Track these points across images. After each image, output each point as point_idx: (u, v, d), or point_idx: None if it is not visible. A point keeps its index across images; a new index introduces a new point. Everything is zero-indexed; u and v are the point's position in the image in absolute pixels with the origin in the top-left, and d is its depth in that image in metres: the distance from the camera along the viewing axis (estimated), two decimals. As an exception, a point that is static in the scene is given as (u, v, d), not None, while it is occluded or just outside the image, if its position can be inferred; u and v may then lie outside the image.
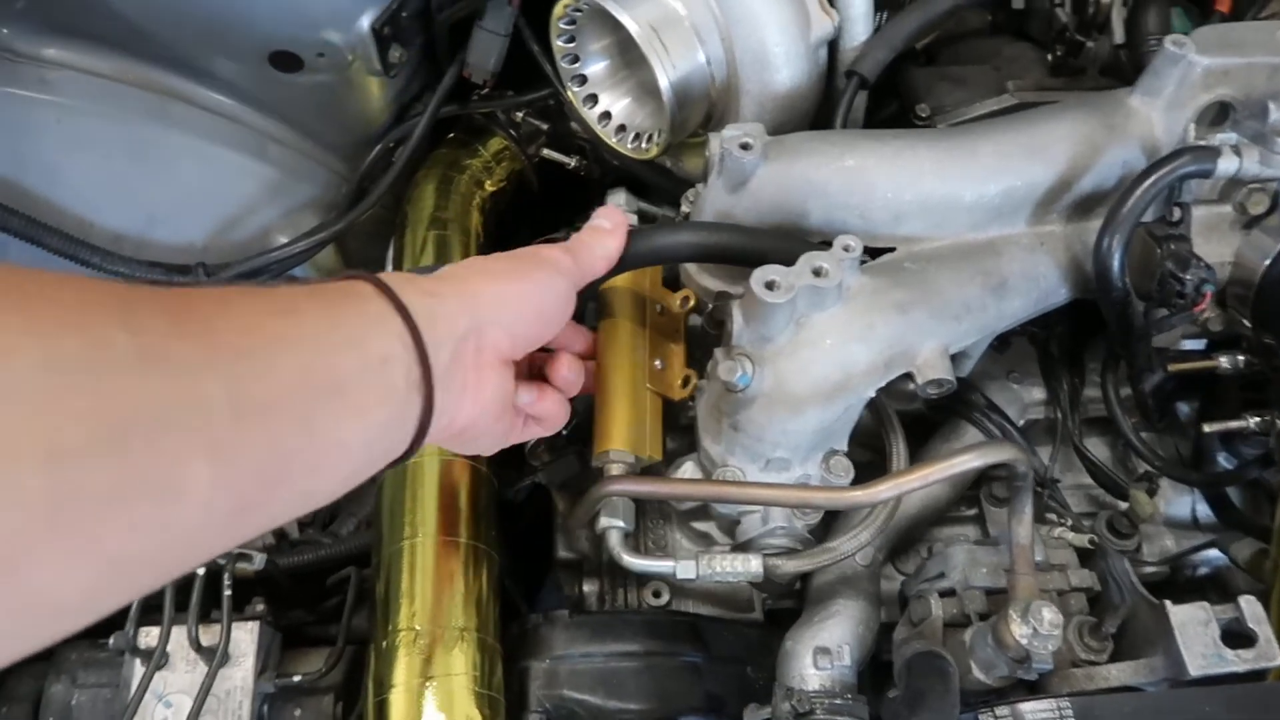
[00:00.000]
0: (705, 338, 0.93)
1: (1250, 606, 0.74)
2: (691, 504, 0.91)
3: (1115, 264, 0.79)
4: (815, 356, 0.74)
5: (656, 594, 0.92)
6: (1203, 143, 0.80)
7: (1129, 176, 0.83)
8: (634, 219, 1.09)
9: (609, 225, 0.74)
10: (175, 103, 1.02)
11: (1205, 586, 0.99)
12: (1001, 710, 0.69)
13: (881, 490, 0.71)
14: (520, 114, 1.19)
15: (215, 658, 0.82)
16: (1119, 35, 1.07)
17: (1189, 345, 0.93)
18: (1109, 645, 0.77)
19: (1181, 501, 1.01)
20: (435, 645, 0.78)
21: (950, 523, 1.01)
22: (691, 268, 0.92)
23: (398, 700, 0.77)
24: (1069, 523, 0.91)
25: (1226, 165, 0.78)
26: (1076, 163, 0.83)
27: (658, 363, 0.89)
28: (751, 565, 0.80)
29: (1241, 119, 0.82)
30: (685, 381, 0.89)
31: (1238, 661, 0.72)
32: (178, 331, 0.42)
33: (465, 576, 0.83)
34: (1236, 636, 0.73)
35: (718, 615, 0.93)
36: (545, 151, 1.21)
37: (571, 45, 1.00)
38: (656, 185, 1.11)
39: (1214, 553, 0.97)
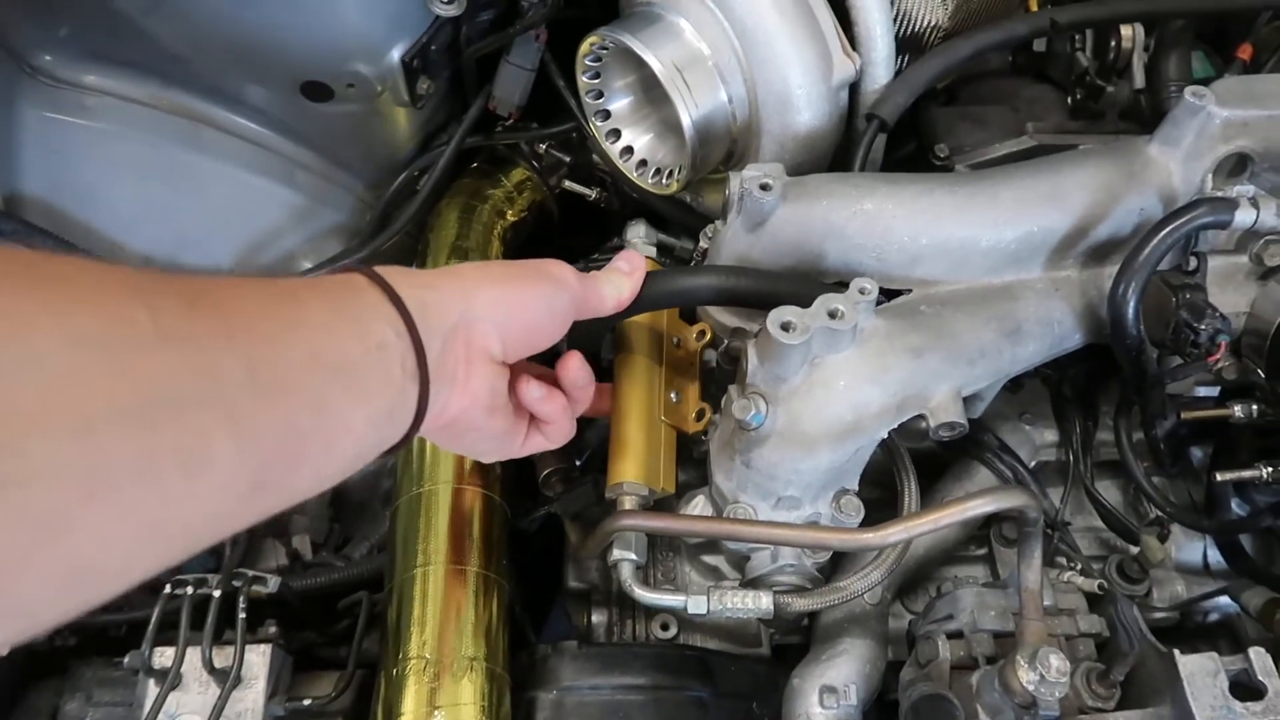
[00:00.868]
0: (720, 372, 0.93)
1: (1260, 659, 0.73)
2: (701, 539, 0.91)
3: (1130, 311, 0.79)
4: (829, 397, 0.75)
5: (665, 626, 0.93)
6: (1221, 194, 0.80)
7: (1146, 225, 0.84)
8: (654, 250, 1.11)
9: (627, 269, 0.75)
10: (208, 129, 1.04)
11: (1215, 633, 0.99)
12: (1008, 757, 0.69)
13: (892, 533, 0.72)
14: (543, 146, 1.20)
15: (228, 680, 0.83)
16: (1139, 80, 1.08)
17: (1203, 392, 0.93)
18: (1116, 693, 0.77)
19: (1193, 547, 1.01)
20: (444, 674, 0.79)
21: (960, 562, 1.01)
22: (709, 305, 0.94)
23: (406, 728, 0.77)
24: (1079, 567, 0.91)
25: (1244, 217, 0.78)
26: (1094, 210, 0.84)
27: (673, 396, 0.90)
28: (762, 602, 0.80)
29: (1260, 171, 0.82)
30: (700, 415, 0.90)
31: (1246, 714, 0.71)
32: (193, 313, 0.43)
33: (475, 606, 0.83)
34: (1245, 689, 0.73)
35: (725, 649, 0.93)
36: (567, 183, 1.22)
37: (596, 81, 1.01)
38: (676, 220, 1.12)
39: (1225, 600, 0.96)
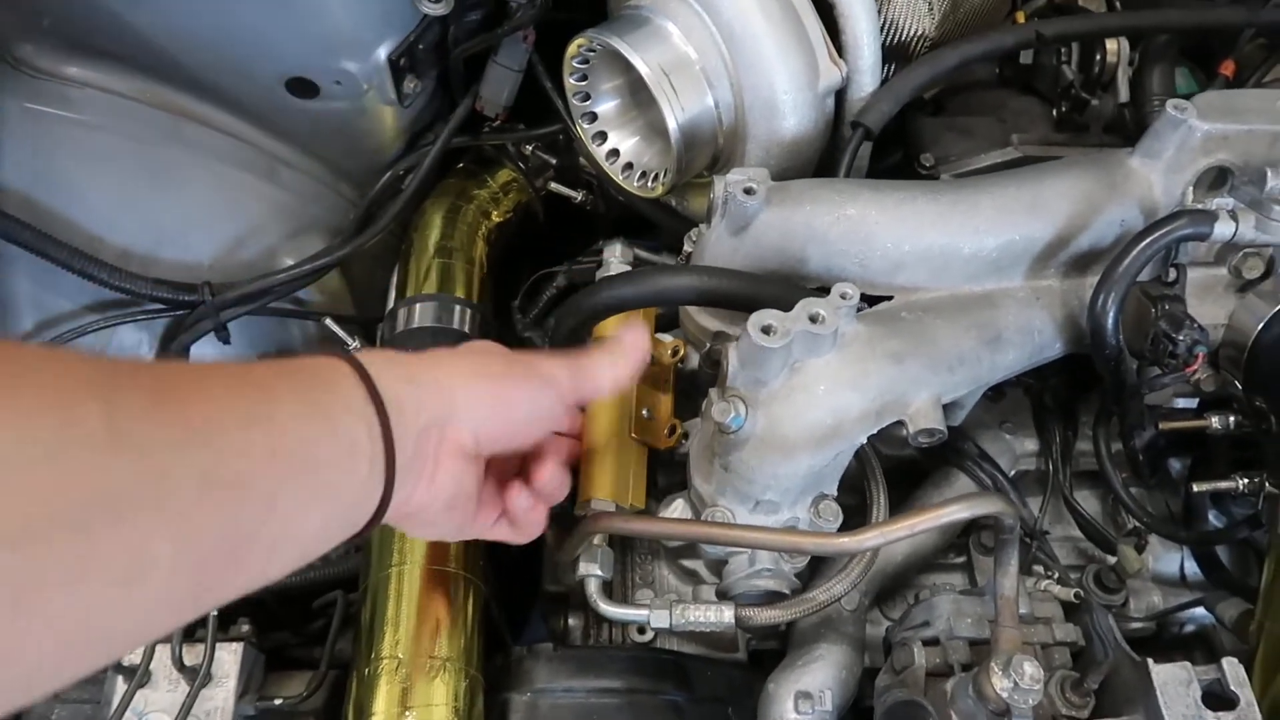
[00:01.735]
0: (704, 376, 0.93)
1: (1232, 668, 0.74)
2: (680, 542, 0.91)
3: (1110, 322, 0.80)
4: (808, 402, 0.75)
5: (641, 630, 0.92)
6: (1200, 206, 0.81)
7: (1126, 235, 0.84)
8: (628, 269, 1.11)
9: (623, 351, 0.72)
10: (191, 123, 1.03)
11: (1191, 644, 0.99)
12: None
13: (868, 538, 0.72)
14: (529, 147, 1.20)
15: (198, 678, 0.82)
16: (1124, 94, 1.09)
17: (1181, 404, 0.93)
18: (1090, 701, 0.77)
19: (1170, 558, 1.01)
20: (417, 675, 0.78)
21: (938, 570, 1.01)
22: (691, 307, 0.94)
23: (378, 728, 0.77)
24: (1055, 576, 0.91)
25: (1223, 229, 0.79)
26: (1075, 220, 0.84)
27: (645, 412, 0.91)
28: (724, 615, 0.80)
29: (1239, 184, 0.83)
30: (671, 431, 0.91)
31: (1218, 724, 0.72)
32: (153, 410, 0.42)
33: (450, 606, 0.83)
34: (1218, 698, 0.73)
35: (702, 654, 0.92)
36: (552, 185, 1.22)
37: (583, 83, 1.01)
38: (661, 223, 1.12)
39: (1201, 611, 0.97)
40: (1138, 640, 0.97)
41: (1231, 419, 0.86)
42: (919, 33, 1.00)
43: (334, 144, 1.11)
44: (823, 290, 0.77)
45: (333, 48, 1.00)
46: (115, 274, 0.96)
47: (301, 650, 1.02)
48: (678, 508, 0.89)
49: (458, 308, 1.03)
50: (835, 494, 0.83)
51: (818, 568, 0.89)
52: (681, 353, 0.97)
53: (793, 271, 0.84)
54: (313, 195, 1.12)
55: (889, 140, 1.09)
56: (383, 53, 1.01)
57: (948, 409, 0.83)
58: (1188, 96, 0.98)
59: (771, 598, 0.84)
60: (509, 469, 0.72)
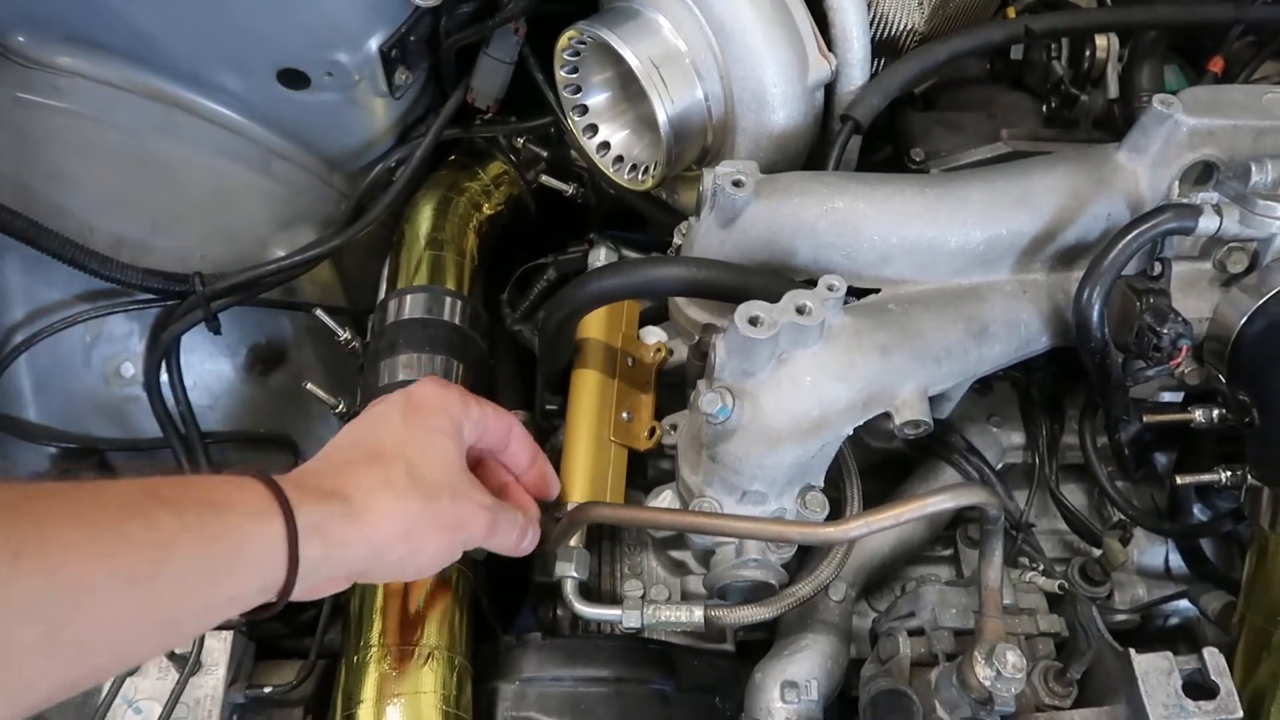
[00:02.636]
0: (692, 368, 0.94)
1: (1213, 659, 0.74)
2: (668, 532, 0.92)
3: (1095, 315, 0.80)
4: (795, 393, 0.75)
5: (625, 622, 0.93)
6: (1185, 201, 0.81)
7: (1112, 229, 0.84)
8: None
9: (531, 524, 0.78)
10: (181, 114, 1.03)
11: (1175, 636, 1.00)
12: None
13: (853, 527, 0.72)
14: (521, 140, 1.20)
15: (187, 666, 0.82)
16: (1113, 90, 1.10)
17: (1167, 397, 0.94)
18: (1073, 691, 0.78)
19: (1155, 551, 1.02)
20: (405, 663, 0.79)
21: (925, 562, 1.02)
22: (680, 299, 0.94)
23: (365, 716, 0.77)
24: (1040, 567, 0.92)
25: (1207, 224, 0.80)
26: (1062, 214, 0.85)
27: (625, 415, 0.92)
28: (694, 616, 0.81)
29: (1224, 179, 0.83)
30: (651, 433, 0.93)
31: (1198, 713, 0.72)
32: (18, 568, 0.44)
33: (439, 595, 0.83)
34: (1198, 688, 0.74)
35: (689, 644, 0.93)
36: (544, 178, 1.22)
37: (574, 76, 1.02)
38: (650, 216, 1.13)
39: (1185, 603, 0.98)
40: (1122, 632, 0.98)
41: (1215, 412, 0.86)
42: (909, 27, 1.00)
43: (325, 135, 1.11)
44: (810, 282, 0.78)
45: (324, 39, 0.99)
46: (106, 264, 0.96)
47: (292, 640, 1.02)
48: (666, 498, 0.89)
49: (448, 299, 1.03)
50: (822, 485, 0.84)
51: (804, 559, 0.90)
52: (664, 352, 0.98)
53: (781, 264, 0.85)
54: (304, 186, 1.12)
55: (879, 135, 1.10)
56: (374, 44, 1.01)
57: (934, 401, 0.84)
58: (1177, 93, 1.00)
59: (758, 589, 0.84)
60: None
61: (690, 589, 0.93)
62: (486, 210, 1.16)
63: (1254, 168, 0.80)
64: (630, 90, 1.02)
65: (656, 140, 0.96)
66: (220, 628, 0.87)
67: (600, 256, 1.09)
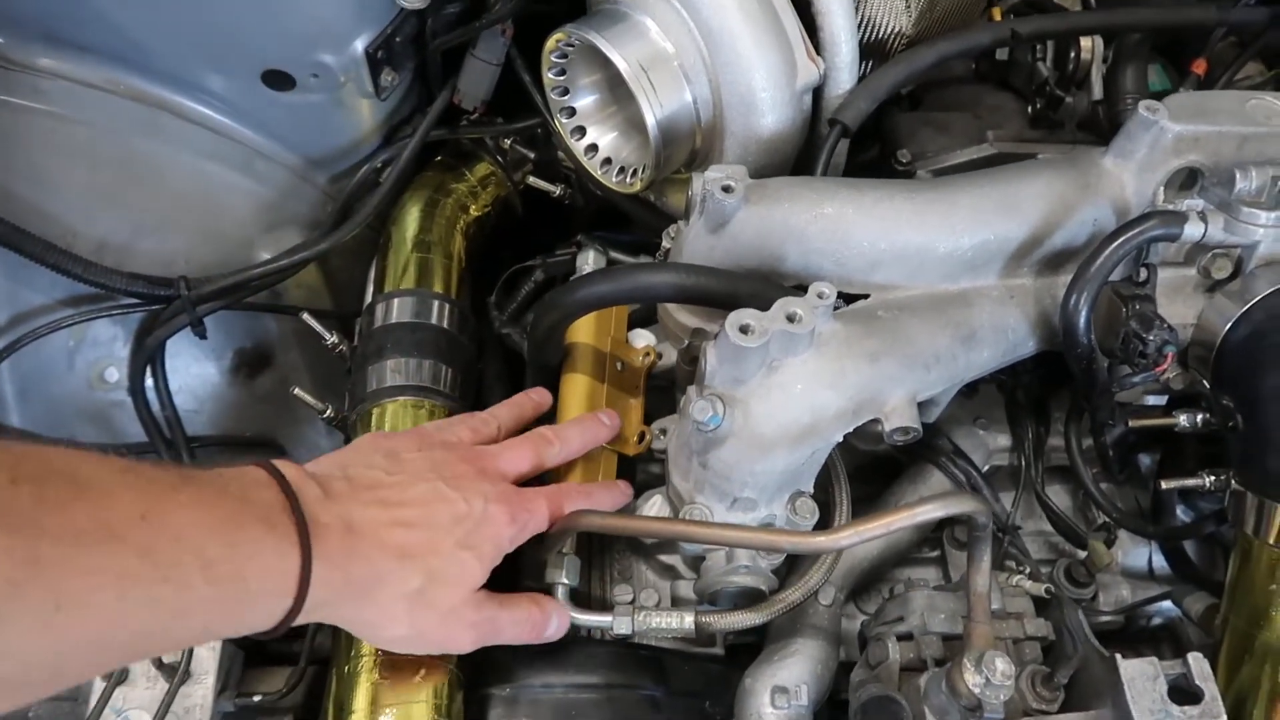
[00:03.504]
0: (681, 373, 0.94)
1: (1198, 664, 0.75)
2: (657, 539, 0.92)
3: (1081, 321, 0.81)
4: (786, 400, 0.76)
5: (620, 624, 0.93)
6: (1171, 208, 0.82)
7: (1099, 235, 0.85)
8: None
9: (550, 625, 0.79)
10: (165, 115, 1.02)
11: (1159, 637, 1.01)
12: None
13: (844, 537, 0.73)
14: (508, 141, 1.20)
15: (177, 675, 0.82)
16: (1097, 92, 1.10)
17: (1151, 401, 0.95)
18: (1060, 695, 0.78)
19: (1139, 553, 1.03)
20: (397, 672, 0.79)
21: (912, 564, 1.02)
22: (669, 304, 0.94)
23: (357, 725, 0.77)
24: (1027, 571, 0.93)
25: (1192, 230, 0.80)
26: (1049, 220, 0.86)
27: None
28: (685, 622, 0.81)
29: (1209, 185, 0.84)
30: (640, 438, 0.93)
31: (1183, 717, 0.73)
32: (55, 620, 0.47)
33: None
34: (1183, 693, 0.75)
35: (679, 649, 0.93)
36: (531, 179, 1.22)
37: (562, 78, 1.01)
38: (639, 219, 1.12)
39: (1168, 604, 0.99)
40: (1106, 633, 0.99)
41: (1199, 416, 0.87)
42: (896, 30, 1.00)
43: (311, 137, 1.10)
44: (800, 288, 0.78)
45: (309, 40, 0.99)
46: (90, 268, 0.95)
47: (280, 645, 1.01)
48: (655, 503, 0.89)
49: (436, 303, 1.03)
50: (811, 491, 0.84)
51: (794, 564, 0.90)
52: (652, 356, 0.98)
53: (771, 269, 0.85)
54: (289, 189, 1.11)
55: (865, 135, 1.10)
56: (360, 45, 1.00)
57: (923, 406, 0.84)
58: (1160, 94, 1.00)
59: (749, 594, 0.85)
60: None
61: (680, 593, 0.93)
62: (474, 212, 1.16)
63: (1238, 175, 0.81)
64: (618, 93, 1.02)
65: (645, 143, 0.96)
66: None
67: (589, 259, 1.09)
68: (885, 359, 0.78)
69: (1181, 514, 0.98)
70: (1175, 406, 0.91)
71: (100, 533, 0.49)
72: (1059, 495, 1.04)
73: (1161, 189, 0.85)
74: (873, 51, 1.02)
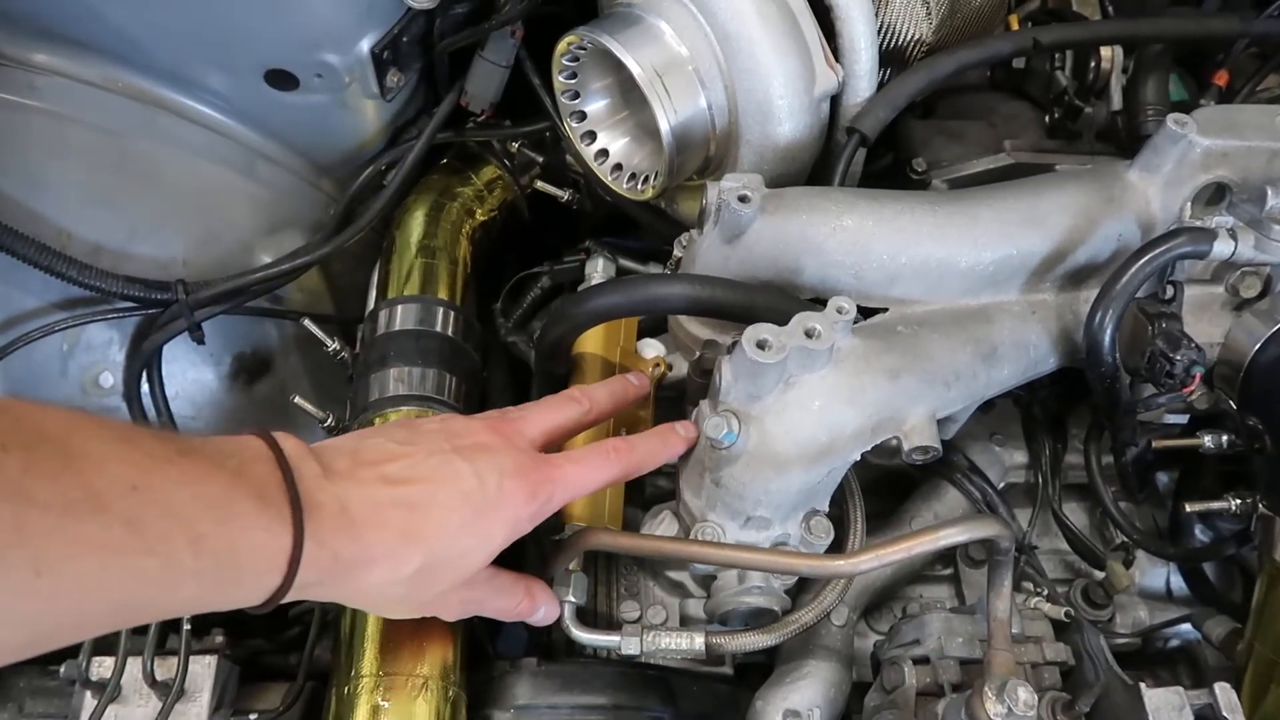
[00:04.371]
0: (692, 385, 0.92)
1: (1225, 694, 0.73)
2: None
3: (1107, 339, 0.79)
4: (803, 418, 0.73)
5: (622, 647, 0.91)
6: (1200, 224, 0.80)
7: (1123, 250, 0.83)
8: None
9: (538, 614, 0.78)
10: (164, 115, 0.99)
11: (1175, 660, 0.99)
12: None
13: (863, 561, 0.70)
14: (515, 145, 1.17)
15: (171, 693, 0.79)
16: (1116, 102, 1.08)
17: (1170, 419, 0.93)
18: (1082, 724, 0.76)
19: (1156, 573, 1.01)
20: (398, 693, 0.76)
21: (925, 582, 1.01)
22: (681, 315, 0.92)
23: (357, 747, 0.75)
24: (1045, 593, 0.91)
25: (1222, 248, 0.78)
26: (1072, 234, 0.83)
27: (623, 431, 0.89)
28: (695, 643, 0.80)
29: (1238, 201, 0.82)
30: None
31: (1211, 749, 0.71)
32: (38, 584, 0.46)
33: (432, 621, 0.80)
34: (1209, 724, 0.73)
35: (688, 668, 0.91)
36: (538, 184, 1.20)
37: (573, 82, 0.99)
38: (648, 226, 1.10)
39: (1185, 626, 0.97)
40: (1123, 655, 0.96)
41: (1224, 438, 0.85)
42: (916, 37, 0.98)
43: (314, 138, 1.08)
44: (818, 302, 0.76)
45: (314, 39, 0.96)
46: (85, 271, 0.93)
47: (276, 659, 0.99)
48: (664, 519, 0.87)
49: (440, 310, 1.00)
50: (826, 510, 0.82)
51: (805, 583, 0.88)
52: (662, 369, 0.96)
53: (786, 281, 0.83)
54: (291, 190, 1.08)
55: (879, 143, 1.07)
56: (365, 45, 0.98)
57: (941, 423, 0.82)
58: (1179, 104, 0.98)
59: (761, 615, 0.83)
60: None
61: (689, 612, 0.91)
62: (480, 216, 1.14)
63: (1270, 192, 0.79)
64: (630, 97, 1.00)
65: (657, 149, 0.94)
66: (202, 652, 0.85)
67: (598, 266, 1.06)
68: (905, 376, 0.76)
69: (1199, 534, 0.96)
70: (1197, 426, 0.89)
71: (88, 503, 0.47)
72: (1075, 514, 1.02)
73: (1189, 204, 0.83)
74: (891, 59, 0.99)
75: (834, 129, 0.98)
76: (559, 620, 0.82)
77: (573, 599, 0.82)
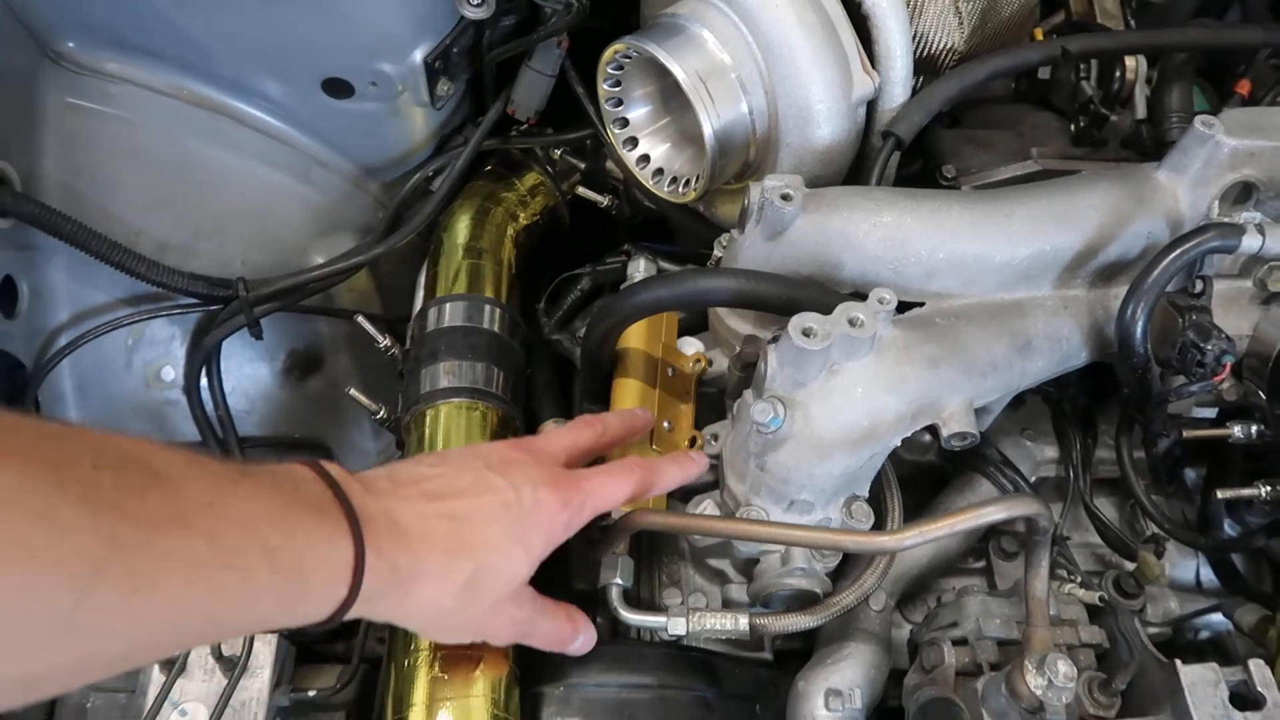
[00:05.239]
0: (733, 378, 0.95)
1: (1259, 670, 0.75)
2: (710, 541, 0.92)
3: (1139, 331, 0.81)
4: (846, 404, 0.76)
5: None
6: (1228, 220, 0.83)
7: (1153, 247, 0.86)
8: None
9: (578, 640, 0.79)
10: (226, 121, 1.04)
11: (1204, 650, 1.01)
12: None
13: (908, 536, 0.73)
14: (557, 151, 1.21)
15: (236, 668, 0.82)
16: (1141, 110, 1.11)
17: (1199, 412, 0.95)
18: (1118, 702, 0.79)
19: (1186, 565, 1.03)
20: (455, 666, 0.79)
21: (958, 574, 1.03)
22: (722, 310, 0.95)
23: (417, 719, 0.78)
24: (1079, 579, 0.93)
25: (1250, 243, 0.81)
26: (1103, 231, 0.86)
27: (666, 424, 0.92)
28: (739, 624, 0.82)
29: (1265, 199, 0.85)
30: (692, 443, 0.93)
31: (1245, 724, 0.73)
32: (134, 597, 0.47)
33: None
34: (1244, 699, 0.75)
35: (728, 652, 0.94)
36: (579, 189, 1.23)
37: (617, 89, 1.03)
38: (687, 229, 1.14)
39: (1215, 617, 0.99)
40: (1155, 645, 0.98)
41: (1254, 428, 0.88)
42: (948, 46, 1.02)
43: (366, 144, 1.12)
44: (857, 296, 0.79)
45: (370, 49, 1.01)
46: (153, 268, 0.97)
47: (323, 644, 1.02)
48: (707, 507, 0.90)
49: (488, 307, 1.04)
50: (866, 495, 0.85)
51: (844, 569, 0.91)
52: (703, 362, 0.99)
53: (827, 277, 0.86)
54: (344, 195, 1.13)
55: (907, 151, 1.11)
56: (418, 55, 1.02)
57: (976, 414, 0.84)
58: (1202, 112, 1.01)
59: (803, 597, 0.85)
60: None
61: (730, 596, 0.94)
62: (523, 220, 1.17)
63: (1296, 189, 0.82)
64: (671, 104, 1.04)
65: (697, 154, 0.98)
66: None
67: (640, 266, 1.10)
68: (944, 365, 0.79)
69: (1227, 526, 0.98)
70: (1228, 418, 0.92)
71: (173, 519, 0.49)
72: (1104, 507, 1.04)
73: (1216, 203, 0.86)
74: (924, 67, 1.03)
75: (869, 133, 1.02)
76: (606, 600, 0.85)
77: (620, 581, 0.85)
